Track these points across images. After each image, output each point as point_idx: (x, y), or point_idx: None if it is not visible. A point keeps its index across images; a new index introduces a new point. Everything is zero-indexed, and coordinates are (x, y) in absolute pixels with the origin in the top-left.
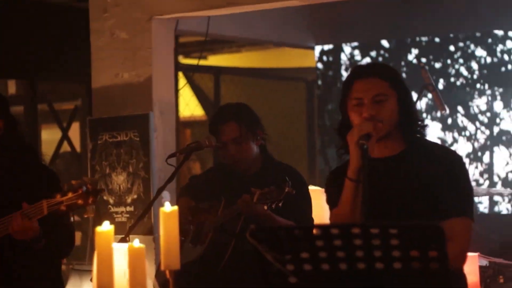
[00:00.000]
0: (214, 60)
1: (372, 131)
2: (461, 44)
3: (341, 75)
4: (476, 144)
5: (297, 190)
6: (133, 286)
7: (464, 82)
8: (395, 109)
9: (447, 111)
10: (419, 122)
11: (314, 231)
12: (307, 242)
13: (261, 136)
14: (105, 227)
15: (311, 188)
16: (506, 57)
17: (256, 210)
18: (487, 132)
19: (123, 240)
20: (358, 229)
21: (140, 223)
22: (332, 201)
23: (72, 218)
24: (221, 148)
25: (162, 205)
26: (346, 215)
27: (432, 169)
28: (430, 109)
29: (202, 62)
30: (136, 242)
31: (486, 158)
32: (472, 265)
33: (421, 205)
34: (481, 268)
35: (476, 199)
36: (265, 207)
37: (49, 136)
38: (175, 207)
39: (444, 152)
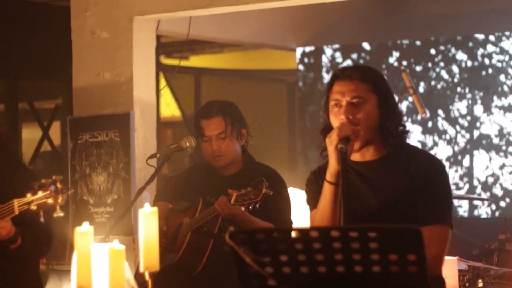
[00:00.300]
0: (196, 61)
1: (351, 135)
2: (442, 48)
3: (322, 77)
4: (456, 148)
5: (276, 192)
6: (112, 286)
7: (445, 85)
8: (374, 113)
9: (428, 114)
10: (401, 128)
11: (293, 233)
12: (286, 245)
13: (245, 135)
14: (85, 228)
15: (292, 189)
16: (486, 61)
17: (233, 212)
18: (467, 135)
19: (103, 241)
20: (337, 232)
21: (120, 223)
22: (312, 202)
23: (42, 218)
24: (205, 142)
25: (142, 206)
26: (325, 217)
27: (412, 174)
28: (410, 112)
29: (184, 63)
30: (116, 244)
31: (466, 161)
32: (451, 269)
33: (400, 210)
34: (460, 271)
35: (455, 202)
36: (243, 209)
37: (30, 135)
38: (155, 208)
39: (424, 158)
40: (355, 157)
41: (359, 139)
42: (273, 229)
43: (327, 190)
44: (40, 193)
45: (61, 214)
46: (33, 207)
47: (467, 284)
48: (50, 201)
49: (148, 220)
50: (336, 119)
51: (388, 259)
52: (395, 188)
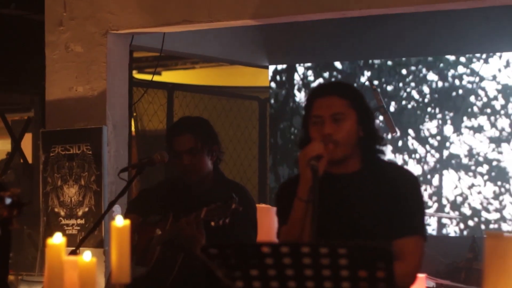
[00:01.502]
0: (168, 76)
1: (323, 153)
2: (413, 68)
3: (294, 95)
4: (425, 167)
5: (246, 216)
6: None
7: (415, 105)
8: (353, 129)
9: (398, 134)
10: (380, 142)
11: (264, 248)
12: (256, 260)
13: (216, 152)
14: (57, 240)
15: (261, 206)
16: (457, 82)
17: (193, 235)
18: (437, 155)
19: (73, 253)
20: (307, 248)
21: (91, 236)
22: (281, 216)
23: None
24: (175, 158)
25: (113, 219)
26: (295, 233)
27: (386, 188)
28: (381, 131)
29: (156, 78)
30: (88, 256)
31: (435, 181)
32: (420, 286)
33: (373, 223)
34: None
35: None
36: (212, 223)
37: (1, 147)
38: (127, 221)
39: (398, 172)
40: (332, 169)
41: (338, 155)
42: (244, 244)
43: (297, 206)
44: None
45: (16, 227)
46: None
47: None
48: (4, 213)
49: (119, 233)
50: (318, 135)
51: (357, 276)
52: (369, 202)
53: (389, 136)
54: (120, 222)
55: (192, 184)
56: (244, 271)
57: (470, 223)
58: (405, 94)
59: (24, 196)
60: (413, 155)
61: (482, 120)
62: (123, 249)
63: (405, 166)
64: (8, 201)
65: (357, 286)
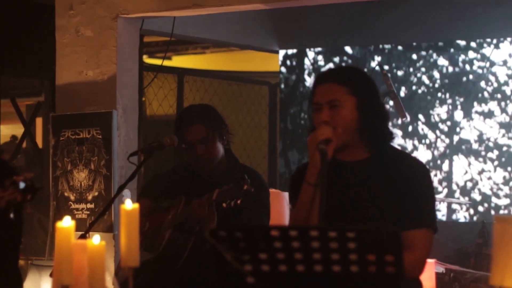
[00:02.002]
0: (178, 61)
1: (332, 136)
2: (423, 53)
3: (304, 80)
4: (435, 152)
5: (256, 195)
6: (92, 283)
7: (426, 90)
8: (352, 116)
9: (408, 119)
10: (386, 129)
11: (273, 232)
12: (265, 243)
13: (226, 135)
14: (66, 223)
15: (271, 190)
16: (467, 67)
17: (204, 216)
18: (447, 140)
19: (83, 237)
20: (316, 232)
21: (100, 220)
22: (293, 201)
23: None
24: (188, 149)
25: (123, 203)
26: (303, 217)
27: (396, 178)
28: (391, 116)
29: (166, 63)
30: (96, 239)
31: (445, 166)
32: (429, 271)
33: (381, 213)
34: (438, 274)
35: None
36: (224, 205)
37: (11, 131)
38: (136, 205)
39: (409, 162)
40: (341, 157)
41: (338, 139)
42: (253, 227)
43: (305, 190)
44: (11, 190)
45: (29, 211)
46: (2, 203)
47: (444, 287)
48: (18, 198)
49: (128, 216)
50: (318, 121)
51: (366, 259)
52: (378, 190)
53: (399, 121)
54: (129, 205)
55: (204, 170)
56: (253, 255)
57: (480, 208)
58: (415, 79)
59: (35, 181)
60: (423, 141)
61: (493, 105)
62: (132, 233)
63: (415, 153)
64: (22, 185)
65: (365, 270)
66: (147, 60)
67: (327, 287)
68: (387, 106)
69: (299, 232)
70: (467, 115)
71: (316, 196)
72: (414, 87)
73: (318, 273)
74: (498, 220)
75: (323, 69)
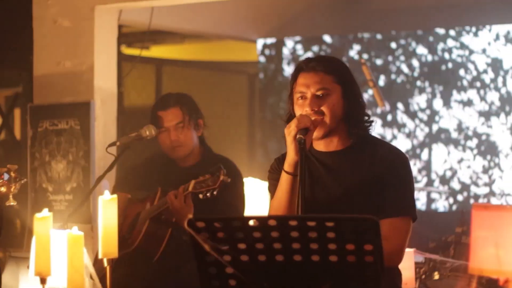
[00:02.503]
0: (157, 51)
1: (310, 125)
2: (402, 42)
3: (282, 69)
4: (415, 141)
5: (232, 185)
6: (71, 273)
7: (405, 79)
8: (339, 104)
9: (387, 108)
10: (366, 118)
11: (252, 222)
12: (244, 233)
13: (201, 126)
14: (44, 214)
15: (251, 179)
16: (446, 55)
17: (180, 208)
18: (426, 129)
19: (61, 228)
20: (295, 222)
21: (79, 211)
22: (272, 190)
23: None
24: (162, 133)
25: (102, 194)
26: (281, 207)
27: (376, 166)
28: (370, 105)
29: (145, 53)
30: (75, 230)
31: (424, 155)
32: (408, 261)
33: (362, 200)
34: (417, 264)
35: None
36: (201, 196)
37: None
38: (115, 196)
39: (389, 151)
40: (319, 147)
41: (323, 126)
42: (232, 218)
43: (284, 180)
44: None
45: (13, 203)
46: None
47: (423, 276)
48: (3, 189)
49: (107, 207)
50: (301, 111)
51: (345, 249)
52: (358, 179)
53: (378, 110)
54: (108, 196)
55: (178, 159)
56: (232, 245)
57: (459, 197)
58: (394, 68)
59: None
60: (402, 129)
61: (472, 94)
62: (111, 224)
63: (394, 141)
64: (6, 176)
65: (344, 259)
66: (126, 50)
67: (307, 277)
68: (367, 95)
69: (278, 221)
70: (446, 103)
71: (295, 185)
72: (393, 76)
73: (297, 262)
74: (476, 208)
75: (302, 58)
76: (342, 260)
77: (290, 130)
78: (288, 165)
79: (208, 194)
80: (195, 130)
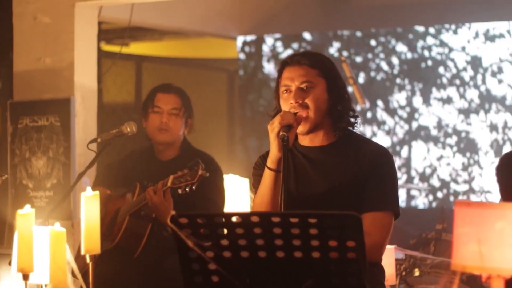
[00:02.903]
0: (136, 48)
1: (293, 122)
2: (382, 39)
3: (262, 66)
4: (394, 139)
5: (211, 180)
6: (53, 269)
7: (385, 76)
8: (323, 97)
9: (367, 105)
10: (351, 112)
11: (234, 218)
12: (227, 229)
13: (190, 126)
14: (26, 210)
15: (231, 176)
16: (426, 53)
17: (159, 203)
18: (406, 126)
19: (42, 224)
20: (277, 218)
21: (59, 208)
22: (256, 187)
23: None
24: (155, 114)
25: (82, 191)
26: (264, 203)
27: (360, 161)
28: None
29: (124, 50)
30: (57, 226)
31: (404, 152)
32: (389, 258)
33: (347, 196)
34: (397, 260)
35: None
36: (180, 191)
37: None
38: (97, 192)
39: (373, 147)
40: (305, 141)
41: (308, 121)
42: (214, 214)
43: (267, 177)
44: None
45: None
46: None
47: (403, 273)
48: None
49: (89, 203)
50: (286, 104)
51: (327, 245)
52: (343, 174)
53: (358, 108)
54: (90, 193)
55: (159, 147)
56: (215, 241)
57: (439, 194)
58: (374, 66)
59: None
60: (382, 127)
61: (451, 91)
62: (93, 220)
63: (374, 139)
64: None
65: (327, 255)
66: (105, 47)
67: (289, 273)
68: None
69: (260, 218)
70: (426, 101)
71: (278, 182)
72: (373, 73)
73: (280, 259)
74: (459, 204)
75: (282, 56)
76: (324, 257)
77: (273, 127)
78: (271, 161)
79: (187, 189)
80: (184, 125)
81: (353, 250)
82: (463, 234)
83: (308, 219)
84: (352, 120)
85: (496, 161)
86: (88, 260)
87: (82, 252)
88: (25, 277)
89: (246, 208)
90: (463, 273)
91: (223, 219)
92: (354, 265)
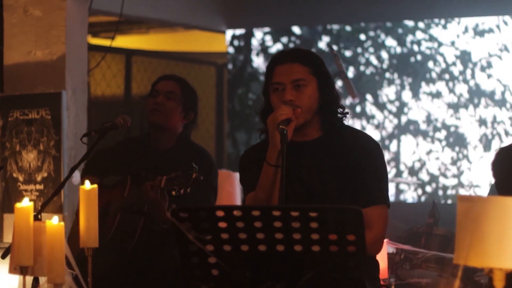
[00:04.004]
0: (123, 41)
1: (292, 116)
2: (371, 33)
3: (251, 60)
4: (383, 133)
5: (204, 176)
6: (51, 262)
7: (374, 71)
8: (314, 96)
9: (358, 99)
10: (340, 109)
11: (235, 212)
12: (227, 223)
13: (190, 119)
14: (25, 203)
15: (221, 171)
16: (415, 47)
17: (155, 200)
18: (395, 121)
19: (35, 218)
20: (278, 212)
21: (51, 201)
22: (248, 183)
23: None
24: (152, 97)
25: (72, 184)
26: (264, 198)
27: (350, 154)
28: (341, 97)
29: (113, 43)
30: (55, 219)
31: (393, 146)
32: (381, 251)
33: (339, 189)
34: (388, 254)
35: None
36: (173, 193)
37: None
38: (95, 185)
39: (361, 139)
40: (295, 137)
41: (300, 118)
42: (215, 207)
43: (266, 172)
44: None
45: None
46: None
47: (395, 267)
48: None
49: (87, 196)
50: (279, 102)
51: (328, 239)
52: (334, 168)
53: (348, 102)
54: (88, 186)
55: (154, 134)
56: (215, 235)
57: (428, 189)
58: (363, 60)
59: None
60: (371, 121)
61: (441, 86)
62: (91, 213)
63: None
64: None
65: (327, 249)
66: (92, 40)
67: (289, 267)
68: (338, 87)
69: (261, 212)
70: (415, 95)
71: (277, 176)
72: (362, 68)
73: (280, 252)
74: (461, 200)
75: (272, 50)
76: (324, 250)
77: (273, 121)
78: (270, 156)
79: (180, 192)
80: (183, 115)
81: (353, 243)
82: (466, 230)
83: (308, 212)
84: (341, 116)
85: (485, 155)
86: (86, 253)
87: (81, 246)
88: (24, 270)
89: (235, 202)
90: (457, 267)
91: (223, 213)
92: (354, 258)
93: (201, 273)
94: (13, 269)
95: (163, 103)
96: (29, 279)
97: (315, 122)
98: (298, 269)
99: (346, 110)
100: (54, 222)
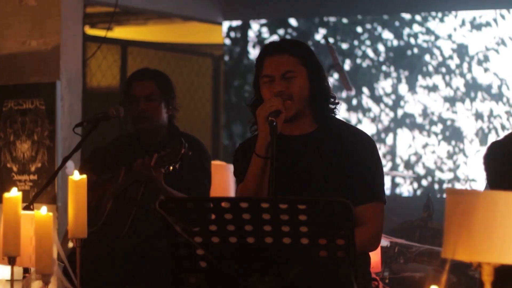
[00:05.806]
0: (120, 32)
1: (281, 108)
2: (368, 26)
3: (248, 52)
4: (380, 126)
5: (198, 163)
6: (39, 253)
7: (370, 64)
8: (305, 86)
9: (354, 92)
10: (332, 99)
11: (224, 204)
12: (215, 215)
13: (172, 106)
14: (13, 194)
15: (216, 163)
16: (412, 40)
17: (152, 176)
18: (391, 114)
19: (27, 208)
20: (267, 204)
21: (44, 192)
22: (239, 175)
23: None
24: (132, 104)
25: (66, 175)
26: (252, 190)
27: (342, 149)
28: (335, 89)
29: (109, 34)
30: (44, 210)
31: (389, 140)
32: None
33: (330, 184)
34: (383, 248)
35: None
36: (163, 170)
37: None
38: (84, 176)
39: (356, 135)
40: (286, 131)
41: (291, 109)
42: (203, 199)
43: (255, 163)
44: None
45: None
46: None
47: (389, 260)
48: None
49: (76, 187)
50: (269, 94)
51: (316, 232)
52: (325, 162)
53: (343, 95)
54: (77, 177)
55: (145, 134)
56: (203, 226)
57: (424, 182)
58: (360, 53)
59: None
60: (367, 114)
61: (437, 79)
62: (80, 204)
63: (359, 126)
64: None
65: (316, 242)
66: (89, 31)
67: (278, 260)
68: (331, 80)
69: (250, 203)
70: (412, 88)
71: (266, 168)
72: (358, 60)
73: (268, 245)
74: (450, 193)
75: (267, 41)
76: (313, 243)
77: (262, 113)
78: (259, 148)
79: (170, 168)
80: (166, 107)
81: (342, 236)
82: (454, 223)
83: (297, 205)
84: (332, 106)
85: (482, 149)
86: (75, 244)
87: (69, 236)
88: (12, 260)
89: (230, 194)
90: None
91: (212, 204)
92: (343, 252)
93: (189, 264)
94: (1, 259)
95: (147, 109)
96: (20, 269)
97: (307, 114)
98: (286, 262)
99: (337, 100)
100: (42, 213)
